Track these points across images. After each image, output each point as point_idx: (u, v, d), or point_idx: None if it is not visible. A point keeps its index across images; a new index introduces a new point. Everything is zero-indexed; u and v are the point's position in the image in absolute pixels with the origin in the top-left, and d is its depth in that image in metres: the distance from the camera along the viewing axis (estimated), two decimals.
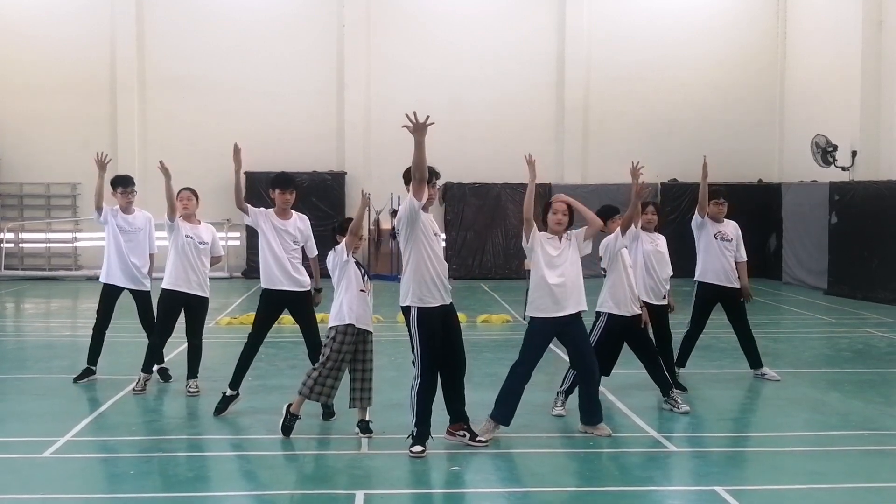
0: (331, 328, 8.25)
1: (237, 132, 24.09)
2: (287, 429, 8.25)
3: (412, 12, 24.57)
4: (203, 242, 10.08)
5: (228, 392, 9.16)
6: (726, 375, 11.14)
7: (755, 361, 10.95)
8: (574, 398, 8.79)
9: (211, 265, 10.27)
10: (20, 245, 24.21)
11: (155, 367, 10.45)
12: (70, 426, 8.58)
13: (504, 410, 8.27)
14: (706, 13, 24.88)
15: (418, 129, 7.60)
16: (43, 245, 24.28)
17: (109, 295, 10.68)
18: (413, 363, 7.89)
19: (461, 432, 8.04)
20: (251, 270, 23.05)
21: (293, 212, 9.27)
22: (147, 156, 23.69)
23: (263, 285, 9.10)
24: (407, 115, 7.66)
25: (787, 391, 10.40)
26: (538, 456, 7.97)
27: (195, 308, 10.10)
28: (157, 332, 10.16)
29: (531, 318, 8.35)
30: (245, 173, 23.02)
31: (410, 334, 7.84)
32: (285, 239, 9.04)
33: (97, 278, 20.70)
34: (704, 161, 10.59)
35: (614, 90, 24.70)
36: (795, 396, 10.17)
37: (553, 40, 24.64)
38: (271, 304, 9.12)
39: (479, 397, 9.44)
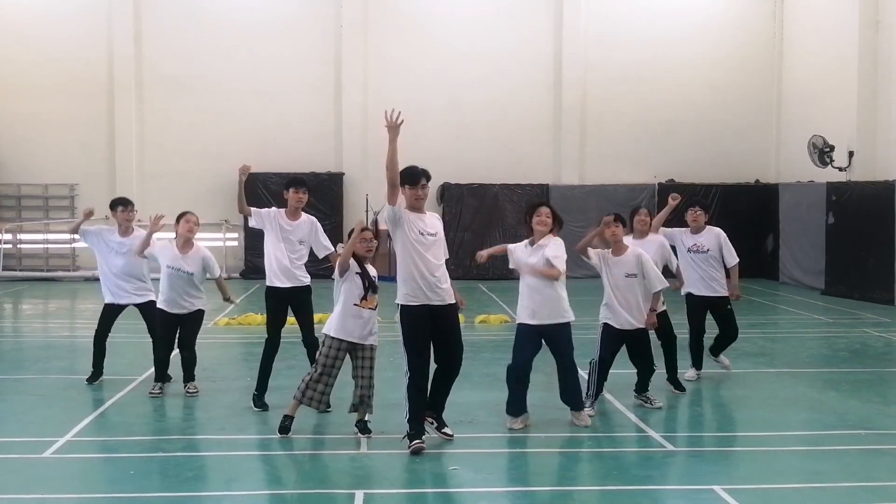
0: (322, 334, 8.37)
1: (235, 132, 24.35)
2: (283, 428, 8.32)
3: (410, 13, 24.58)
4: (188, 273, 9.87)
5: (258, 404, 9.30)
6: (724, 375, 11.16)
7: (717, 349, 10.99)
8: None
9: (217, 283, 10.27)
10: (18, 246, 24.17)
11: None
12: (70, 426, 8.60)
13: (513, 408, 8.55)
14: (703, 13, 24.91)
15: (390, 128, 7.78)
16: (41, 246, 24.24)
17: (111, 312, 10.66)
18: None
19: (429, 419, 8.13)
20: (249, 271, 23.08)
21: (303, 213, 9.38)
22: (145, 156, 23.72)
23: (267, 283, 9.28)
24: (385, 113, 7.66)
25: (784, 391, 10.43)
26: (537, 456, 7.99)
27: (190, 322, 10.09)
28: (160, 346, 10.11)
29: (518, 321, 8.62)
30: None
31: (401, 330, 8.00)
32: (292, 240, 9.20)
33: (96, 278, 20.66)
34: (673, 202, 10.31)
35: (612, 90, 24.72)
36: (793, 396, 10.20)
37: (551, 41, 24.65)
38: (276, 301, 9.26)
39: (479, 397, 9.50)
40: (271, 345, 9.36)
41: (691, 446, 8.20)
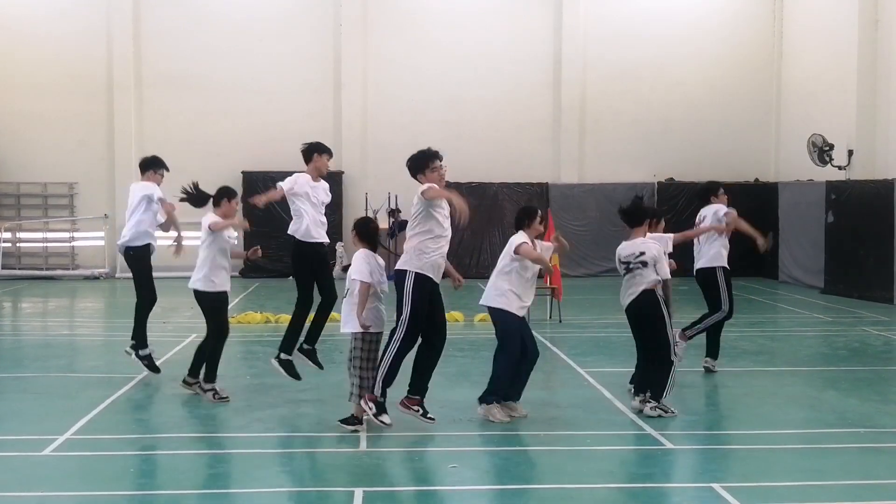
0: None
1: (234, 131, 24.34)
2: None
3: (409, 12, 24.56)
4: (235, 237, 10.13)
5: (283, 356, 9.59)
6: (723, 374, 11.16)
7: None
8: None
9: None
10: (18, 244, 24.16)
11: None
12: (69, 424, 8.59)
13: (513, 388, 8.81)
14: (702, 12, 24.89)
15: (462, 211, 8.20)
16: (40, 244, 24.25)
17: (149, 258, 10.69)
18: (396, 325, 8.13)
19: (416, 407, 8.30)
20: (248, 270, 23.06)
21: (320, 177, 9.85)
22: (144, 154, 23.56)
23: (302, 238, 9.48)
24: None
25: (784, 389, 10.45)
26: (536, 453, 8.00)
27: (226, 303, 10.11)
28: (221, 335, 9.79)
29: (507, 311, 8.65)
30: (242, 173, 23.23)
31: (403, 296, 8.14)
32: (318, 198, 9.65)
33: (95, 277, 20.61)
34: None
35: (611, 89, 24.70)
36: (792, 394, 10.22)
37: (550, 39, 24.64)
38: (309, 255, 9.57)
39: (478, 395, 9.47)
40: (309, 300, 9.62)
41: (690, 444, 8.21)
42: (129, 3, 23.86)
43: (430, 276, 8.18)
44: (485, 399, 8.74)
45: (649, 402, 8.97)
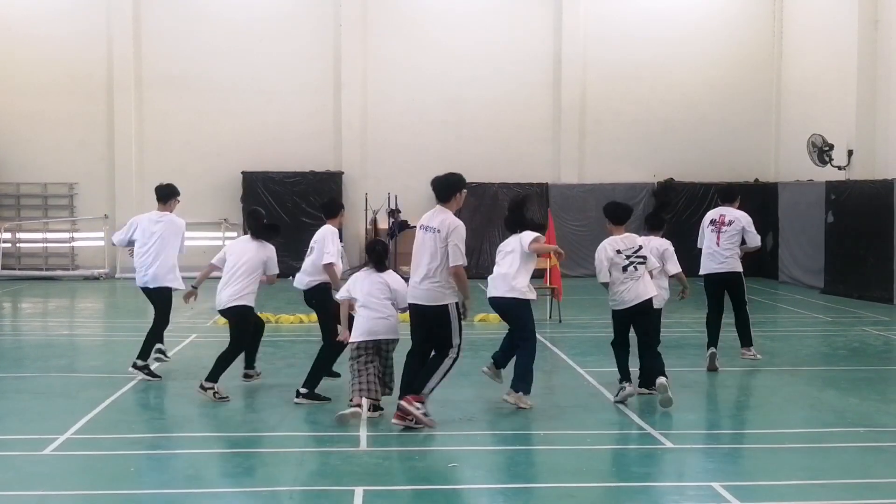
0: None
1: (234, 132, 24.36)
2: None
3: (409, 12, 24.57)
4: None
5: (302, 390, 9.54)
6: (723, 374, 11.17)
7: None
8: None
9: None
10: (17, 245, 24.16)
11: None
12: (70, 424, 8.60)
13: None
14: (702, 12, 24.90)
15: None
16: (40, 245, 24.25)
17: None
18: (447, 350, 8.56)
19: (417, 404, 8.43)
20: None
21: None
22: (144, 155, 23.69)
23: (326, 280, 9.79)
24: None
25: (783, 389, 10.45)
26: (536, 453, 8.01)
27: None
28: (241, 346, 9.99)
29: (530, 302, 9.47)
30: (242, 173, 23.21)
31: (451, 327, 8.58)
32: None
33: (95, 278, 20.70)
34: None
35: (611, 89, 24.70)
36: (792, 394, 10.22)
37: (550, 39, 24.64)
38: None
39: (478, 394, 9.52)
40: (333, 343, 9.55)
41: (690, 443, 8.21)
42: (129, 3, 23.87)
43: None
44: (523, 388, 9.09)
45: (660, 377, 9.20)
